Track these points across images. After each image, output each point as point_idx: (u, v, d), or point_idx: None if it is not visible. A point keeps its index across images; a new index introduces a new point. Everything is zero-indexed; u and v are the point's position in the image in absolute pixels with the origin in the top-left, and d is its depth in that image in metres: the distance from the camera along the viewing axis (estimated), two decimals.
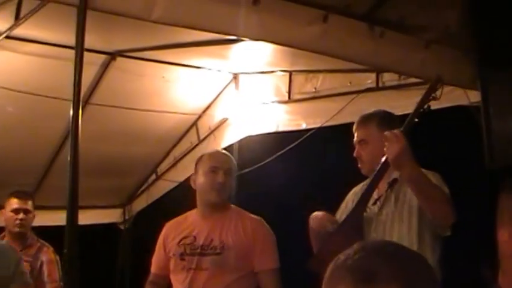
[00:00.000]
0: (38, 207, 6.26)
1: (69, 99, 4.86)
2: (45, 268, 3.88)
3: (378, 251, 1.02)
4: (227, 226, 2.81)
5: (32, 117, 4.98)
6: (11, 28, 3.31)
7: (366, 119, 2.71)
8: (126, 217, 7.00)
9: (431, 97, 2.50)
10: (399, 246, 1.08)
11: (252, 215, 2.95)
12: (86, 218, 6.77)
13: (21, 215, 3.91)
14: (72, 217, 2.54)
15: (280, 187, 5.39)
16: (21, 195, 4.02)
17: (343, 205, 2.80)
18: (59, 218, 6.46)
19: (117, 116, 5.19)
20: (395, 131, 2.40)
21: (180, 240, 2.88)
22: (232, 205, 2.98)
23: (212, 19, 2.55)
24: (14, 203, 3.94)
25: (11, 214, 3.90)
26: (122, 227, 7.05)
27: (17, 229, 3.91)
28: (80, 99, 2.66)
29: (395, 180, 2.59)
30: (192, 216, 2.97)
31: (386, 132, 2.42)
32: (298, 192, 5.27)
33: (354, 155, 2.71)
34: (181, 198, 5.85)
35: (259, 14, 2.61)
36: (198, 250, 2.80)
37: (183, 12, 2.46)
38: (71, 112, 2.60)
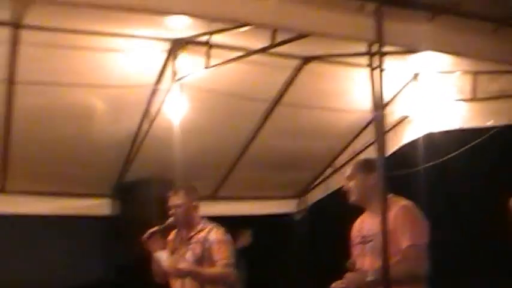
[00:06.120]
0: (224, 198, 6.96)
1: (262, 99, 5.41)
2: (214, 247, 4.05)
3: None
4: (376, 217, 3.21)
5: (225, 116, 5.65)
6: None
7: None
8: (301, 208, 7.58)
9: None
10: None
11: (400, 202, 3.28)
12: (262, 208, 7.44)
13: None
14: None
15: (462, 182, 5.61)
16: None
17: None
18: (242, 208, 7.18)
19: (302, 115, 5.75)
20: None
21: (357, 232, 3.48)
22: (391, 195, 3.29)
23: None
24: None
25: None
26: (296, 217, 7.62)
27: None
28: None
29: None
30: None
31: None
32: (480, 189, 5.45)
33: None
34: None
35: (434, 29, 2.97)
36: (362, 239, 3.38)
37: None
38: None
